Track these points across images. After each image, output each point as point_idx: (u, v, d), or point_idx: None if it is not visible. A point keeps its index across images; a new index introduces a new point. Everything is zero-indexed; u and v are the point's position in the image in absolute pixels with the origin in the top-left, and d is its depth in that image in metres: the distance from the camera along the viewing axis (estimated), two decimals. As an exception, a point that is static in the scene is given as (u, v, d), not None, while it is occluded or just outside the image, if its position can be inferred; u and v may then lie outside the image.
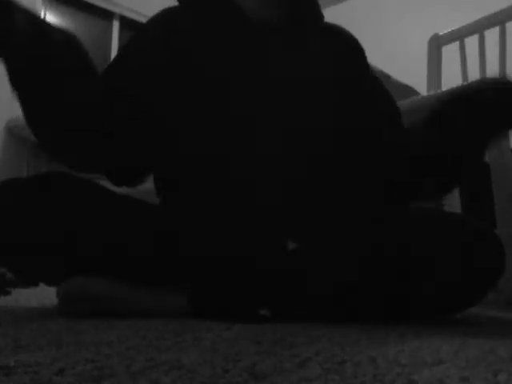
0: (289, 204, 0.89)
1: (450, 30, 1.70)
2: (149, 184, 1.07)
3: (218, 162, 0.88)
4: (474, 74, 1.62)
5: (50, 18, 3.76)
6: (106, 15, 4.16)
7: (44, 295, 0.99)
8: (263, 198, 0.87)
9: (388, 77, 1.86)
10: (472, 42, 1.64)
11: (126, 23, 4.23)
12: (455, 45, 1.68)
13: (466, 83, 1.32)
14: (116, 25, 4.20)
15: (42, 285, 0.89)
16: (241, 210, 0.86)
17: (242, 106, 0.89)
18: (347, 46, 0.99)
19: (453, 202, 1.52)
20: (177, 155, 0.92)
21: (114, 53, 4.16)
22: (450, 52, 1.75)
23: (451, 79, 0.91)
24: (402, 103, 1.38)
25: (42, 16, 3.66)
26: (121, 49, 0.99)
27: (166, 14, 0.97)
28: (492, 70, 1.59)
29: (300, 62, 0.94)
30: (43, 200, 0.82)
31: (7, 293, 1.02)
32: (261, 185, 0.87)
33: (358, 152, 0.94)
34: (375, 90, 0.99)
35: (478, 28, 1.62)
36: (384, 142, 0.94)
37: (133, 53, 0.95)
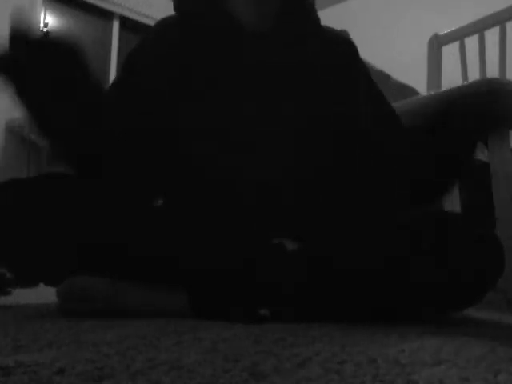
0: (286, 203, 0.89)
1: (449, 30, 1.70)
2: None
3: (209, 163, 0.90)
4: (474, 74, 1.62)
5: (50, 17, 3.76)
6: (106, 15, 4.16)
7: (44, 295, 0.99)
8: (258, 197, 0.88)
9: (388, 77, 1.87)
10: (472, 42, 1.63)
11: (126, 23, 4.23)
12: (455, 45, 1.68)
13: (466, 83, 1.32)
14: (116, 25, 4.20)
15: (41, 285, 0.89)
16: (235, 210, 0.87)
17: (235, 110, 0.91)
18: (341, 52, 1.00)
19: (453, 202, 1.52)
20: (172, 157, 0.94)
21: (114, 53, 4.16)
22: (450, 52, 1.75)
23: (451, 79, 0.91)
24: (402, 103, 1.39)
25: (42, 16, 3.66)
26: (124, 66, 1.01)
27: (162, 27, 1.00)
28: (492, 70, 1.59)
29: (293, 67, 0.95)
30: (44, 200, 0.82)
31: (7, 293, 1.01)
32: (258, 185, 0.88)
33: (350, 152, 0.95)
34: (370, 93, 1.00)
35: (478, 28, 1.62)
36: (379, 143, 0.95)
37: (137, 69, 0.97)
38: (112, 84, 0.99)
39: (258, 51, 0.95)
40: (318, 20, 1.03)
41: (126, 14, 4.20)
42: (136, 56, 1.00)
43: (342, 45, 1.02)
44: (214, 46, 0.95)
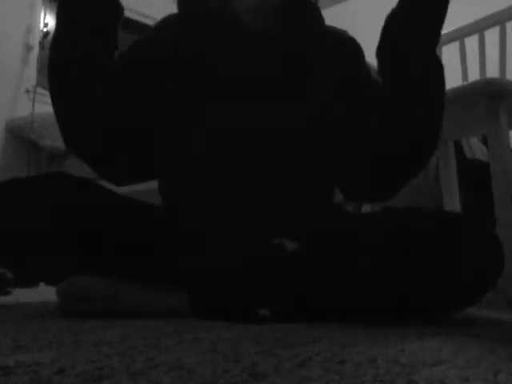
0: (286, 203, 0.89)
1: (450, 30, 1.70)
2: (149, 184, 1.07)
3: (209, 163, 0.90)
4: (474, 74, 1.62)
5: (50, 17, 3.76)
6: (106, 15, 4.15)
7: (44, 295, 1.00)
8: (258, 197, 0.88)
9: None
10: (472, 42, 1.63)
11: (126, 23, 4.23)
12: (455, 45, 1.67)
13: (466, 83, 1.31)
14: (116, 25, 4.20)
15: (42, 285, 0.89)
16: (236, 210, 0.87)
17: (235, 110, 0.91)
18: (346, 50, 1.00)
19: (453, 202, 1.52)
20: (172, 156, 0.93)
21: (114, 53, 4.16)
22: (450, 52, 1.75)
23: (451, 79, 0.91)
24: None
25: (42, 16, 3.66)
26: (129, 47, 1.00)
27: (163, 24, 1.01)
28: (492, 70, 1.59)
29: (294, 66, 0.95)
30: (44, 200, 0.82)
31: (7, 293, 1.01)
32: (255, 185, 0.88)
33: (350, 152, 0.95)
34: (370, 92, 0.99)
35: (478, 28, 1.62)
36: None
37: (134, 59, 0.97)
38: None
39: (259, 50, 0.95)
40: (321, 19, 1.02)
41: (126, 13, 4.19)
42: (136, 46, 0.99)
43: (347, 43, 1.02)
44: (215, 44, 0.95)
